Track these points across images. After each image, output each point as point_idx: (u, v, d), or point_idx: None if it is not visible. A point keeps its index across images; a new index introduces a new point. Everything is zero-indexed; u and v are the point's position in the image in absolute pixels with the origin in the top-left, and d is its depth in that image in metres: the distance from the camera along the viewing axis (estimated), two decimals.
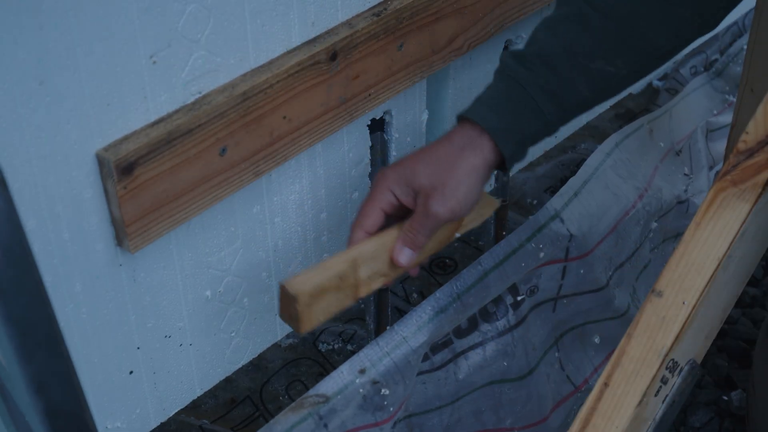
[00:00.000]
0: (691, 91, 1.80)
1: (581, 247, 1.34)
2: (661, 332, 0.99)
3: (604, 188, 1.38)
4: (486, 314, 1.26)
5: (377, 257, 1.04)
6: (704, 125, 1.77)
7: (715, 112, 1.84)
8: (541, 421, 1.33)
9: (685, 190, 1.62)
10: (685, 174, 1.67)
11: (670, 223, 1.57)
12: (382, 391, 1.11)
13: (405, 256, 1.05)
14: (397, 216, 1.06)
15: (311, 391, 1.07)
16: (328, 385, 1.08)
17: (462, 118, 1.06)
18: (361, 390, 1.09)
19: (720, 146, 1.77)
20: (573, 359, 1.39)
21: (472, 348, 1.26)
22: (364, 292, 1.04)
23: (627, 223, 1.42)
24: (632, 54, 1.07)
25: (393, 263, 1.05)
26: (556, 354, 1.37)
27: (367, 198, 1.06)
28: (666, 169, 1.58)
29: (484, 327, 1.26)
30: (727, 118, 1.82)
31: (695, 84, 1.85)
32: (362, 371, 1.10)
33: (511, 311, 1.28)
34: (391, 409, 1.11)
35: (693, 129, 1.72)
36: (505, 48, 1.36)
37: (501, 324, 1.27)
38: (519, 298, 1.29)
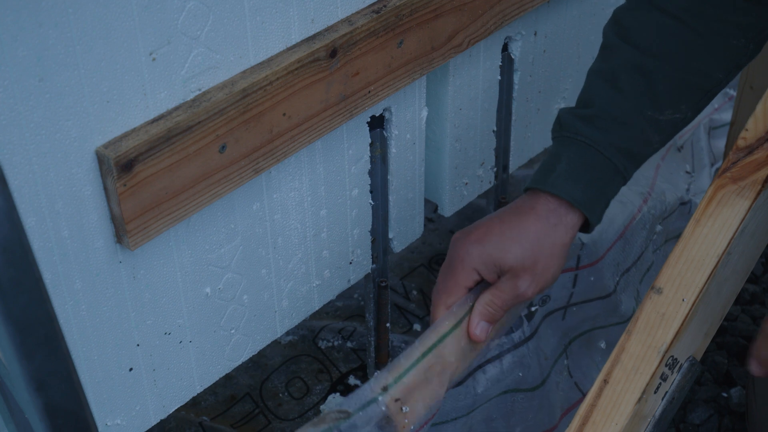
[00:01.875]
0: None
1: (591, 254, 1.34)
2: (661, 329, 0.99)
3: None
4: None
5: (459, 339, 1.01)
6: (707, 122, 1.77)
7: (716, 106, 1.84)
8: (550, 429, 1.33)
9: (687, 190, 1.62)
10: (686, 172, 1.67)
11: (673, 224, 1.58)
12: (403, 408, 1.10)
13: (482, 330, 1.00)
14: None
15: (334, 407, 1.07)
16: (351, 401, 1.07)
17: (539, 191, 1.01)
18: (383, 408, 1.09)
19: (722, 144, 1.77)
20: (581, 366, 1.39)
21: (489, 362, 1.26)
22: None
23: (634, 228, 1.42)
24: (694, 95, 1.03)
25: (469, 338, 1.01)
26: (565, 362, 1.37)
27: (449, 272, 1.01)
28: (667, 167, 1.58)
29: (501, 339, 1.25)
30: (728, 114, 1.82)
31: None
32: (385, 389, 1.08)
33: (525, 322, 1.27)
34: (412, 427, 1.10)
35: (695, 125, 1.72)
36: (505, 48, 1.36)
37: (517, 336, 1.27)
38: (533, 309, 1.29)
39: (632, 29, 1.03)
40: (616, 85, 1.02)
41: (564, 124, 1.03)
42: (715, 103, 1.85)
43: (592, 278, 1.35)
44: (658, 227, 1.50)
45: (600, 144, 1.00)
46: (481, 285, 1.03)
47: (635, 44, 1.02)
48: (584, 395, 1.38)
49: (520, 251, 0.98)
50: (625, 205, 1.40)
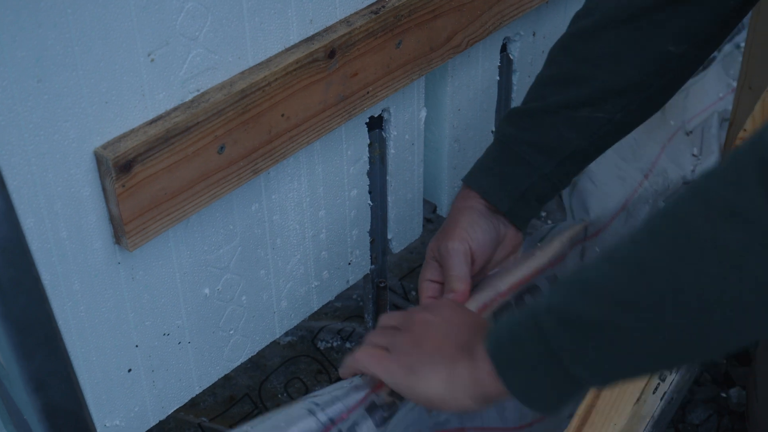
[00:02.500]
0: (709, 71, 1.80)
1: (595, 225, 1.36)
2: None
3: (609, 171, 1.40)
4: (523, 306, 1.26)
5: None
6: (722, 112, 1.77)
7: (720, 95, 1.84)
8: None
9: (693, 171, 1.63)
10: (693, 155, 1.67)
11: None
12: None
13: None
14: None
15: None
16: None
17: (463, 185, 1.12)
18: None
19: None
20: None
21: None
22: None
23: (636, 201, 1.44)
24: (622, 98, 1.06)
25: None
26: None
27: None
28: (674, 149, 1.59)
29: None
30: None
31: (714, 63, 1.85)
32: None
33: None
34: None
35: (707, 110, 1.72)
36: (503, 49, 1.36)
37: None
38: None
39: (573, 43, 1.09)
40: (543, 85, 1.10)
41: (500, 123, 1.13)
42: (720, 91, 1.86)
43: (597, 249, 1.36)
44: (661, 203, 1.50)
45: (511, 139, 1.09)
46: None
47: (572, 53, 1.08)
48: None
49: (439, 234, 1.09)
50: (624, 180, 1.43)
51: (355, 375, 0.98)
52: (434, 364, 0.90)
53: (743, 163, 0.65)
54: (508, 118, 1.11)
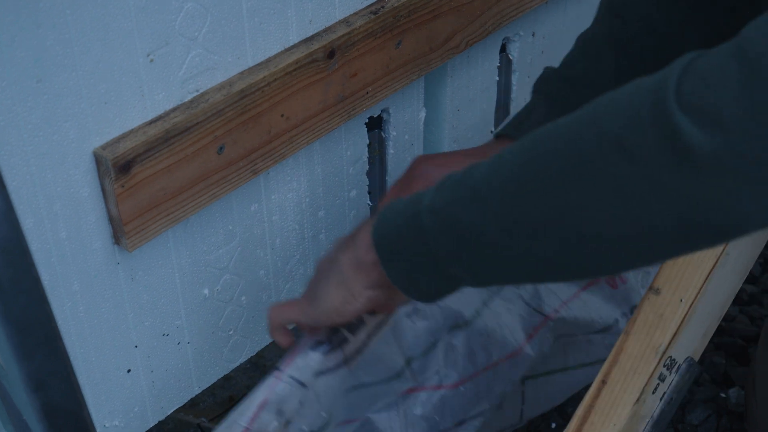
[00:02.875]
0: None
1: None
2: (659, 330, 0.99)
3: None
4: None
5: None
6: None
7: None
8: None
9: None
10: None
11: None
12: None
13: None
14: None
15: None
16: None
17: (508, 138, 1.04)
18: None
19: None
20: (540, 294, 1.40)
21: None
22: None
23: None
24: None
25: None
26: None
27: (405, 188, 1.03)
28: None
29: None
30: None
31: None
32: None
33: None
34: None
35: None
36: (503, 49, 1.36)
37: None
38: None
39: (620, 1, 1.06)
40: (597, 52, 1.04)
41: (546, 80, 1.07)
42: None
43: None
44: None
45: (571, 103, 1.03)
46: None
47: (620, 15, 1.05)
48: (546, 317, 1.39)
49: None
50: None
51: (284, 334, 1.01)
52: (327, 279, 0.92)
53: (641, 102, 0.66)
54: (566, 80, 1.05)
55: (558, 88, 1.05)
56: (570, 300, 1.38)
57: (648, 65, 1.02)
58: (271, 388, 0.98)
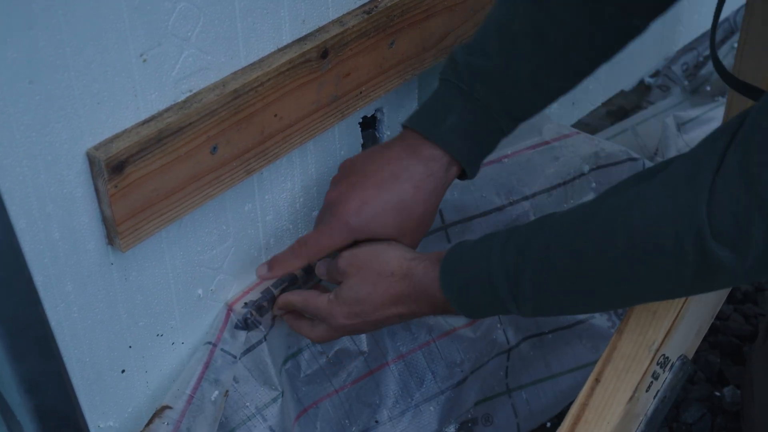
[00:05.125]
0: (659, 112, 1.83)
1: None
2: (652, 328, 0.99)
3: None
4: None
5: None
6: (671, 120, 1.78)
7: (676, 103, 1.87)
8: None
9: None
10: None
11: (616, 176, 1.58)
12: None
13: None
14: None
15: None
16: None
17: (424, 138, 1.05)
18: None
19: (695, 136, 1.79)
20: None
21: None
22: None
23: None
24: (581, 64, 1.08)
25: None
26: None
27: (326, 233, 1.08)
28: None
29: None
30: (693, 111, 1.85)
31: (663, 106, 1.88)
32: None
33: None
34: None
35: (661, 128, 1.74)
36: None
37: None
38: None
39: None
40: (515, 44, 1.04)
41: (459, 73, 1.05)
42: (675, 100, 1.90)
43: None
44: (585, 167, 1.43)
45: (494, 108, 1.05)
46: None
47: (546, 9, 1.03)
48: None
49: (399, 221, 1.04)
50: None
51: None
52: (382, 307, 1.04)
53: (683, 234, 0.81)
54: (485, 77, 1.04)
55: (471, 84, 1.05)
56: None
57: (564, 61, 1.05)
58: (207, 361, 1.06)
